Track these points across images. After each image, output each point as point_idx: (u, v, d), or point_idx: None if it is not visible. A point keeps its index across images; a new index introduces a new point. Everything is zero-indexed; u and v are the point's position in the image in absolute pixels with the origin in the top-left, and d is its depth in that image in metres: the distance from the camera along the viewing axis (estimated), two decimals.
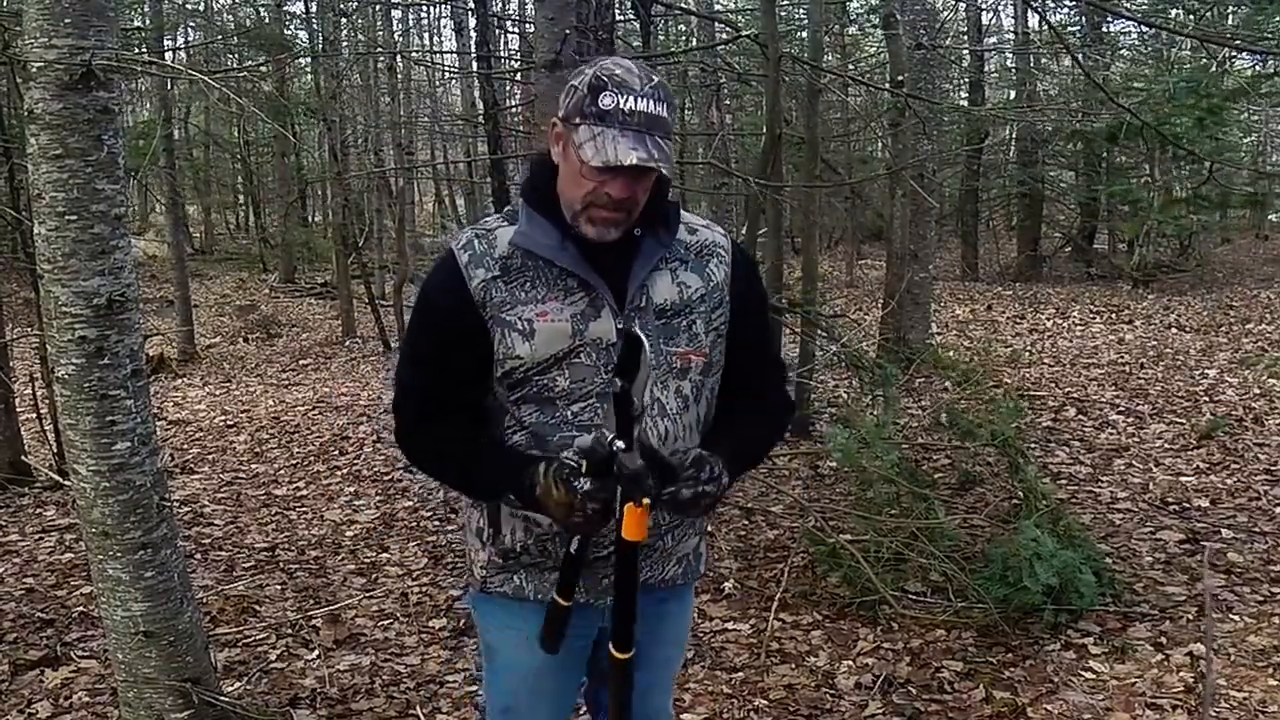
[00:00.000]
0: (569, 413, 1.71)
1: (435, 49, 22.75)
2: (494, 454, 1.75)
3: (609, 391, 1.62)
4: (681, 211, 1.81)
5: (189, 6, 16.72)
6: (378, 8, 14.85)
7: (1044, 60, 16.37)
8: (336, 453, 6.69)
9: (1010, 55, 18.54)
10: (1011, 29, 17.76)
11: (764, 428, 1.93)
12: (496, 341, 1.69)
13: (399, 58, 15.35)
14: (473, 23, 9.06)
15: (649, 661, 1.84)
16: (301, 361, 10.96)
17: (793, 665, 3.44)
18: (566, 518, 1.61)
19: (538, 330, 1.68)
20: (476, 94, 12.47)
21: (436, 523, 5.13)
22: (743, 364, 1.85)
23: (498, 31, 12.25)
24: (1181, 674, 3.23)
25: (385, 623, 3.92)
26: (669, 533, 1.84)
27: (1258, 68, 14.05)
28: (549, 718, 1.94)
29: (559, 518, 1.62)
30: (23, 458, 5.89)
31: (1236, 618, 3.62)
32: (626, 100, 1.59)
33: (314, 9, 14.73)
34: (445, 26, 22.00)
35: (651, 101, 1.60)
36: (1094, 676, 3.26)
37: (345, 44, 14.89)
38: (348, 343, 12.06)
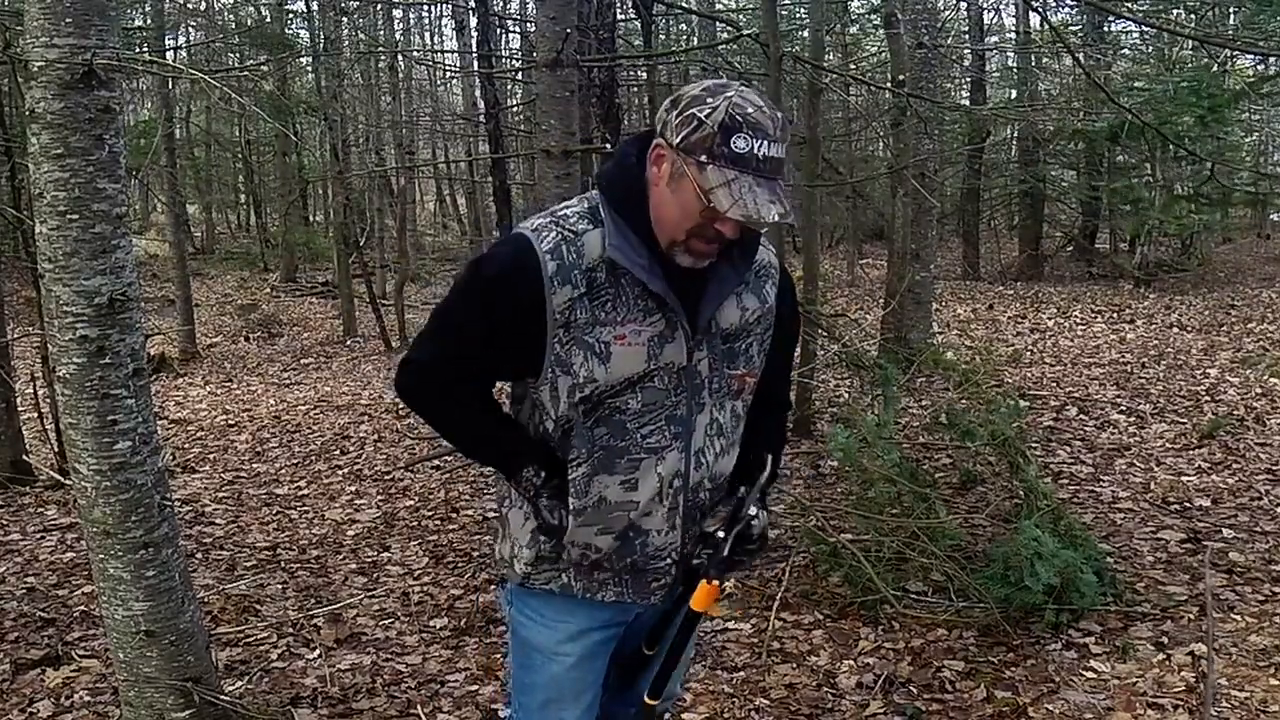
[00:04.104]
0: (639, 436, 1.71)
1: (436, 48, 22.77)
2: (522, 431, 1.80)
3: (677, 414, 1.71)
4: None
5: (190, 6, 16.73)
6: (379, 7, 14.86)
7: (1045, 59, 16.36)
8: (338, 452, 6.70)
9: (1012, 54, 18.54)
10: (1013, 28, 17.76)
11: (782, 439, 2.05)
12: (578, 365, 1.66)
13: (400, 57, 15.36)
14: (474, 22, 9.05)
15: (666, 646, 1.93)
16: (303, 361, 10.96)
17: (794, 665, 3.44)
18: None
19: (614, 354, 1.66)
20: (477, 93, 12.47)
21: (438, 522, 5.13)
22: (773, 382, 1.89)
23: (499, 31, 12.24)
24: (1183, 673, 3.22)
25: (386, 622, 3.92)
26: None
27: (1259, 68, 14.03)
28: (588, 707, 1.94)
29: None
30: (24, 457, 5.90)
31: (1238, 617, 3.61)
32: (760, 145, 1.54)
33: (315, 8, 14.71)
34: (446, 26, 22.03)
35: (779, 145, 1.56)
36: (1095, 676, 3.26)
37: (346, 43, 14.91)
38: (349, 342, 12.06)
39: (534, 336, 1.66)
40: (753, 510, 1.71)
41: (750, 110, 1.54)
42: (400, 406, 7.88)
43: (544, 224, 1.68)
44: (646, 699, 1.85)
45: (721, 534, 1.71)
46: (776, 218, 1.53)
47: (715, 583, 1.71)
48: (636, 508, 1.74)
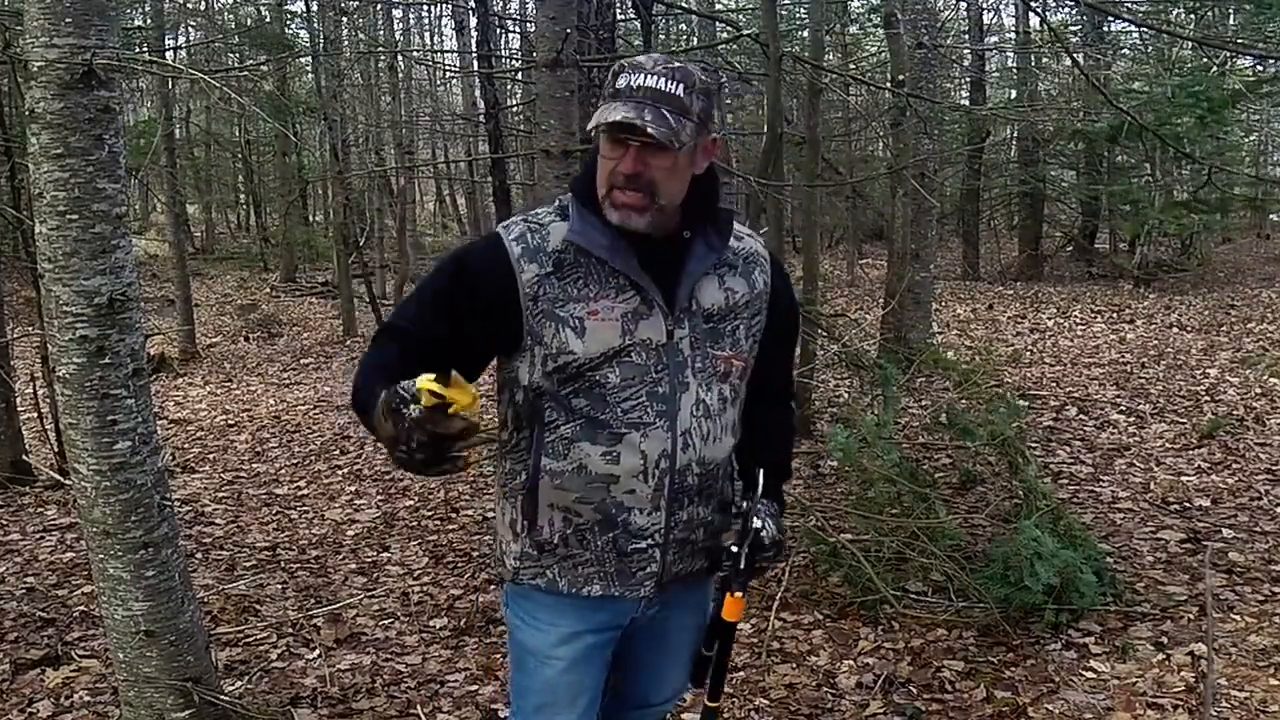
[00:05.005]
0: (619, 410, 1.74)
1: (436, 48, 22.77)
2: (382, 374, 1.62)
3: (658, 391, 1.74)
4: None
5: (190, 6, 16.73)
6: (378, 7, 14.87)
7: (1045, 60, 16.37)
8: (337, 452, 6.70)
9: (1011, 54, 18.54)
10: (1013, 28, 17.76)
11: (788, 437, 2.09)
12: (550, 336, 1.72)
13: (400, 57, 15.36)
14: (473, 22, 9.06)
15: (674, 644, 2.00)
16: (302, 361, 10.96)
17: (794, 664, 3.44)
18: (393, 450, 1.50)
19: (588, 328, 1.71)
20: (477, 93, 12.48)
21: (437, 522, 5.13)
22: (771, 375, 1.93)
23: (498, 31, 12.24)
24: (1182, 673, 3.23)
25: (386, 622, 3.92)
26: (700, 527, 1.87)
27: (1258, 69, 14.03)
28: (583, 712, 1.95)
29: (389, 449, 1.52)
30: (24, 457, 5.89)
31: (1237, 617, 3.62)
32: (636, 78, 1.66)
33: (314, 8, 14.71)
34: (446, 26, 22.03)
35: (660, 79, 1.65)
36: (1095, 676, 3.26)
37: (346, 43, 14.91)
38: (349, 342, 12.06)
39: (510, 315, 1.73)
40: (758, 523, 1.80)
41: (639, 59, 1.70)
42: None
43: (513, 221, 1.80)
44: (708, 702, 1.99)
45: (735, 548, 1.80)
46: (620, 118, 1.62)
47: (740, 594, 1.83)
48: (617, 482, 1.76)
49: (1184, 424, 6.33)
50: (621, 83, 1.66)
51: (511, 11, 16.23)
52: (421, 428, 1.44)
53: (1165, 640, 3.46)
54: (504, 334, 1.75)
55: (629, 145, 1.65)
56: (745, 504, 1.82)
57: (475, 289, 1.74)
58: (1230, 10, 14.16)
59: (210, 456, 6.74)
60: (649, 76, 1.65)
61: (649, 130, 1.62)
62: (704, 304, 1.78)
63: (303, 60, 15.61)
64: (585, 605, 1.85)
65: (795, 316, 2.00)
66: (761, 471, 1.84)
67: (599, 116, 1.65)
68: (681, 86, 1.66)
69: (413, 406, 1.45)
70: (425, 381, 1.45)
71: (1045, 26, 11.98)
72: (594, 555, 1.81)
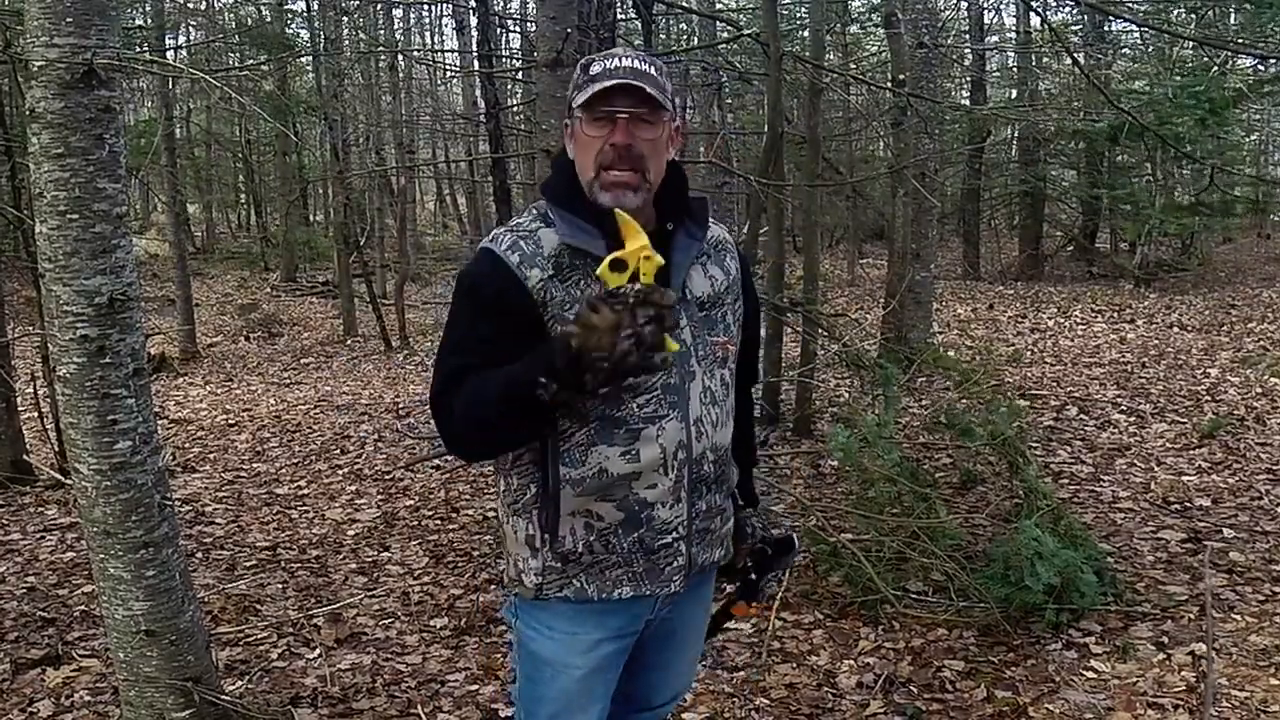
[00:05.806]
0: (634, 405, 1.74)
1: (436, 48, 22.78)
2: (509, 365, 1.64)
3: (669, 382, 1.75)
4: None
5: (190, 5, 16.73)
6: (378, 6, 14.87)
7: (1046, 59, 16.36)
8: (338, 452, 6.70)
9: (1012, 54, 18.54)
10: (1013, 28, 17.76)
11: (754, 427, 2.17)
12: None
13: (400, 56, 15.36)
14: (474, 21, 9.05)
15: (680, 642, 2.02)
16: (303, 360, 10.96)
17: (794, 664, 3.44)
18: (617, 342, 1.47)
19: None
20: (478, 93, 12.47)
21: (438, 522, 5.13)
22: (746, 360, 1.96)
23: (499, 30, 12.24)
24: (1183, 673, 3.23)
25: (386, 622, 3.92)
26: (717, 515, 1.89)
27: (1259, 69, 14.03)
28: (595, 718, 1.94)
29: (611, 348, 1.48)
30: (24, 457, 5.90)
31: (1238, 617, 3.62)
32: (610, 62, 1.69)
33: (315, 7, 14.73)
34: (446, 25, 22.04)
35: (633, 60, 1.69)
36: (1095, 676, 3.26)
37: (346, 43, 14.92)
38: (349, 342, 12.07)
39: (530, 319, 1.71)
40: (770, 553, 2.03)
41: (610, 50, 1.75)
42: (400, 406, 7.89)
43: (499, 233, 1.79)
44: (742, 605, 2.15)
45: (754, 576, 2.02)
46: (615, 81, 1.65)
47: (755, 604, 2.08)
48: (639, 478, 1.75)
49: (1184, 424, 6.33)
50: (597, 68, 1.69)
51: (512, 11, 16.25)
52: (646, 300, 1.46)
53: (1166, 640, 3.46)
54: (528, 338, 1.70)
55: (616, 120, 1.67)
56: (761, 545, 2.01)
57: (491, 297, 1.71)
58: (1230, 10, 14.14)
59: (210, 456, 6.74)
60: (622, 59, 1.69)
61: (647, 89, 1.65)
62: (696, 293, 1.80)
63: (303, 60, 15.64)
64: (608, 611, 1.84)
65: (757, 301, 2.03)
66: (791, 540, 2.07)
67: (586, 92, 1.66)
68: (653, 67, 1.70)
69: (628, 286, 1.45)
70: (633, 250, 1.46)
71: (1045, 26, 11.99)
72: (621, 558, 1.80)
